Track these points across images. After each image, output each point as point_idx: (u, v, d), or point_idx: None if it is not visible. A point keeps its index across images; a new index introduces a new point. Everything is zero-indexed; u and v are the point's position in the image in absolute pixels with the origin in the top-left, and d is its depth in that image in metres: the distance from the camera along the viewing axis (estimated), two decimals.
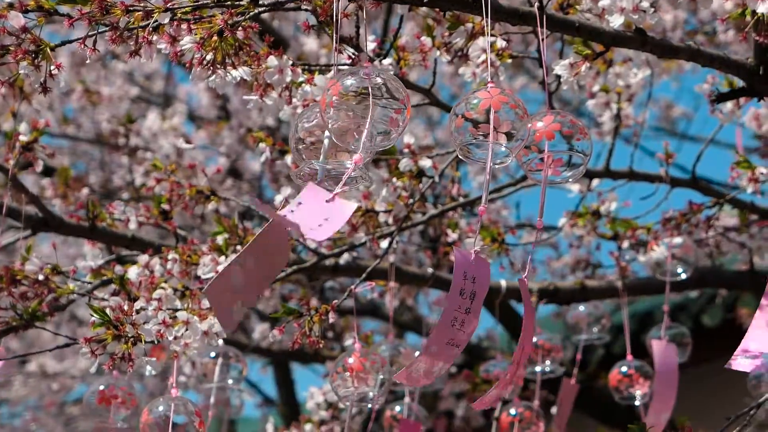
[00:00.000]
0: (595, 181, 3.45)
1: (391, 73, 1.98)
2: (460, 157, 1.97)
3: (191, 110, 6.55)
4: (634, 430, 2.32)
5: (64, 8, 2.19)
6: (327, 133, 2.00)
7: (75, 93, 5.52)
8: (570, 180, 2.07)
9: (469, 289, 1.87)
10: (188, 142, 4.82)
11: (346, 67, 2.44)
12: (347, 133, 1.93)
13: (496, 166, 1.93)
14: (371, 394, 2.40)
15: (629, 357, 3.24)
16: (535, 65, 5.69)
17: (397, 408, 3.34)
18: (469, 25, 2.59)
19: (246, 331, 5.77)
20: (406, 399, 3.32)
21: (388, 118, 1.92)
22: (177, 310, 2.42)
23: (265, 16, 5.26)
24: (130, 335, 2.30)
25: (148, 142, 5.24)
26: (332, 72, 2.19)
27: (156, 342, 2.34)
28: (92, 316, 2.30)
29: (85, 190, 4.16)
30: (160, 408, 2.38)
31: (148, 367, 2.41)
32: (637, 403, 3.20)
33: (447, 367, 1.89)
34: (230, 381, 3.05)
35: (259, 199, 5.52)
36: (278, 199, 3.14)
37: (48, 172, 5.13)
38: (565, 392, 3.41)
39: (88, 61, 2.14)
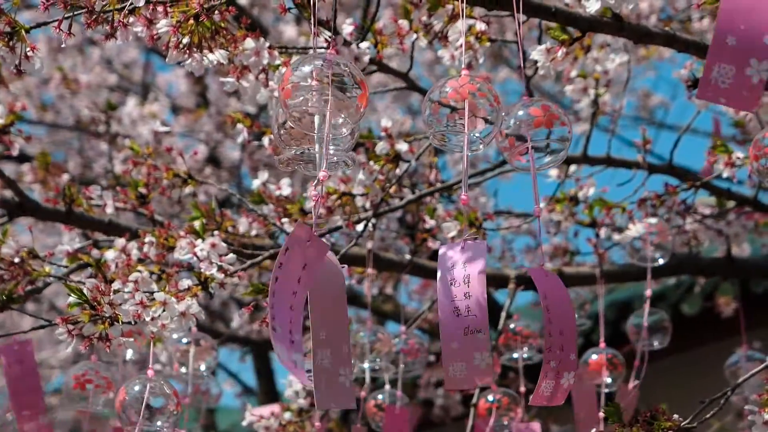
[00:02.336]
0: (573, 167, 3.45)
1: (347, 61, 1.96)
2: (434, 144, 1.98)
3: (171, 99, 6.55)
4: (609, 413, 2.33)
5: None
6: (316, 118, 1.99)
7: (53, 81, 5.51)
8: (552, 165, 2.09)
9: (461, 275, 1.87)
10: (164, 125, 4.81)
11: (320, 50, 2.43)
12: (307, 120, 1.93)
13: (470, 154, 1.94)
14: None
15: (602, 344, 3.24)
16: (516, 57, 5.70)
17: (380, 396, 3.34)
18: (449, 7, 2.59)
19: (224, 320, 5.77)
20: (386, 386, 3.32)
21: (348, 103, 1.91)
22: (154, 292, 2.41)
23: (244, 3, 5.29)
24: (107, 315, 2.29)
25: (128, 129, 5.24)
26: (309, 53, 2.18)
27: (133, 322, 2.33)
28: (69, 295, 2.29)
29: (65, 176, 4.15)
30: (137, 388, 2.37)
31: (129, 350, 2.40)
32: (606, 390, 3.20)
33: (488, 354, 1.88)
34: (203, 367, 3.05)
35: (238, 187, 5.53)
36: (256, 183, 3.13)
37: (25, 159, 5.12)
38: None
39: (63, 45, 2.14)
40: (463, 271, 1.87)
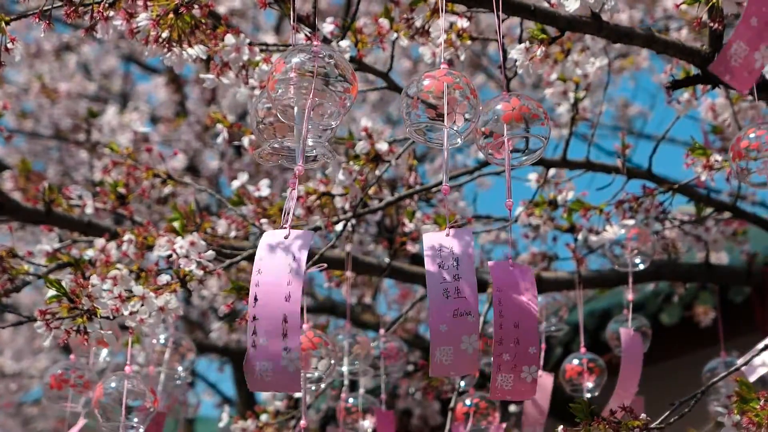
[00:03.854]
0: (552, 171, 3.45)
1: (338, 52, 1.97)
2: (412, 138, 1.98)
3: (150, 109, 6.55)
4: (576, 409, 2.32)
5: None
6: (295, 110, 1.99)
7: (32, 90, 5.51)
8: (526, 162, 2.08)
9: (449, 257, 1.86)
10: (145, 139, 4.81)
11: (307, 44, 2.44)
12: (291, 112, 1.92)
13: (450, 147, 1.93)
14: (317, 374, 2.39)
15: (582, 350, 3.24)
16: (492, 64, 5.72)
17: (351, 400, 3.33)
18: (432, 1, 2.59)
19: (203, 330, 5.76)
20: (361, 390, 3.32)
21: (336, 97, 1.91)
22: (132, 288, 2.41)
23: (223, 13, 5.28)
24: (85, 308, 2.28)
25: (107, 137, 5.23)
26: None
27: (112, 317, 2.32)
28: (48, 288, 2.28)
29: (45, 183, 4.14)
30: (113, 384, 2.36)
31: (103, 352, 2.38)
32: (587, 395, 3.20)
33: (476, 338, 1.86)
34: (180, 369, 3.05)
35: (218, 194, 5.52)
36: (235, 184, 3.13)
37: (3, 168, 5.11)
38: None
39: (42, 35, 2.13)
40: (452, 254, 1.86)
